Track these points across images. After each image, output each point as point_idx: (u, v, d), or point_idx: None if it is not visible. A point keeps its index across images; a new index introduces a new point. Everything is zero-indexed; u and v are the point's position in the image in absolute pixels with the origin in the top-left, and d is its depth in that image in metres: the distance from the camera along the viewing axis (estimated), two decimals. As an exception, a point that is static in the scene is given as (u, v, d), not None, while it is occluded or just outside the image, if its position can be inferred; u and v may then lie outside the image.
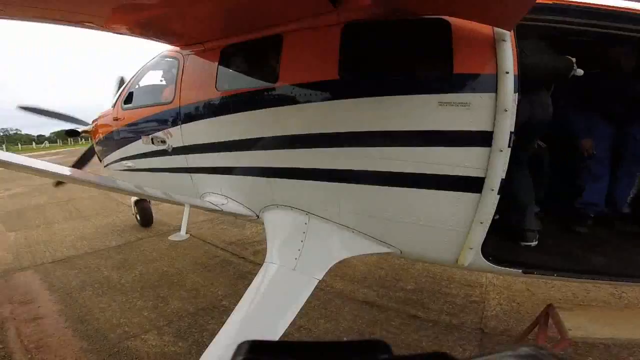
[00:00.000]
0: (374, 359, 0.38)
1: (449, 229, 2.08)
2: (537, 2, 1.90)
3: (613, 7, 2.01)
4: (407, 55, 2.19)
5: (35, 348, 2.96)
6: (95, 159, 5.09)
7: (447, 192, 2.01)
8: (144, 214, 6.02)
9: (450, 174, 1.97)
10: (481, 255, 2.08)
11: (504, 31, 1.85)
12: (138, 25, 2.53)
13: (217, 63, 2.75)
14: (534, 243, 2.49)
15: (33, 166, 1.91)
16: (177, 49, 3.19)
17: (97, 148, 4.68)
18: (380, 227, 2.25)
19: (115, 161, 4.10)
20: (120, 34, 2.71)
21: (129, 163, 3.82)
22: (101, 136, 4.40)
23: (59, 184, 5.69)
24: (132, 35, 2.75)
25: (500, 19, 1.81)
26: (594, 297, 3.55)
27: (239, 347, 0.38)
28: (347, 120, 2.16)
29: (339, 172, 2.24)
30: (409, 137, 2.02)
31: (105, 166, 4.50)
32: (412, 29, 2.16)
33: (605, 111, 2.89)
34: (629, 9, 2.02)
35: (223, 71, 2.75)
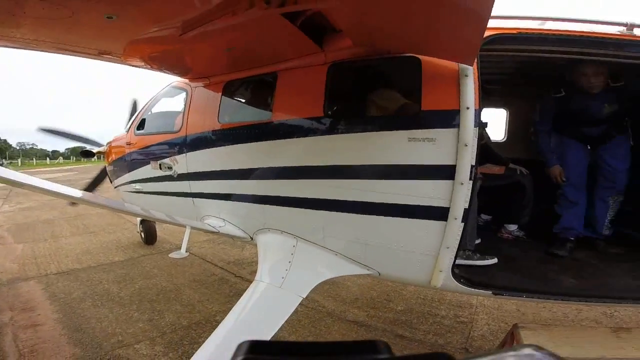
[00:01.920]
0: (374, 359, 0.38)
1: (420, 253, 2.24)
2: (503, 32, 2.10)
3: (574, 32, 2.16)
4: (383, 93, 2.44)
5: (29, 352, 3.10)
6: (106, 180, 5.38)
7: (417, 220, 2.19)
8: (149, 232, 6.24)
9: (420, 204, 2.15)
10: (452, 277, 2.22)
11: (467, 66, 1.99)
12: (151, 59, 2.84)
13: (220, 96, 3.04)
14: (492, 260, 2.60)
15: (46, 188, 2.11)
16: (187, 80, 3.50)
17: (109, 169, 4.97)
18: (360, 250, 2.43)
19: (125, 183, 4.37)
20: (136, 67, 3.01)
21: (138, 186, 4.09)
22: (114, 158, 4.71)
23: (74, 203, 5.96)
24: (146, 68, 3.06)
25: (460, 52, 1.95)
26: (585, 316, 3.62)
27: (239, 347, 0.38)
28: (330, 154, 2.38)
29: (322, 201, 2.46)
30: (383, 170, 2.22)
31: (115, 187, 4.78)
32: (388, 67, 2.41)
33: (575, 134, 2.97)
34: (589, 33, 2.16)
35: (225, 104, 3.03)
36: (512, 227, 3.36)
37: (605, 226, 2.95)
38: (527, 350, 0.37)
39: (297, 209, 2.59)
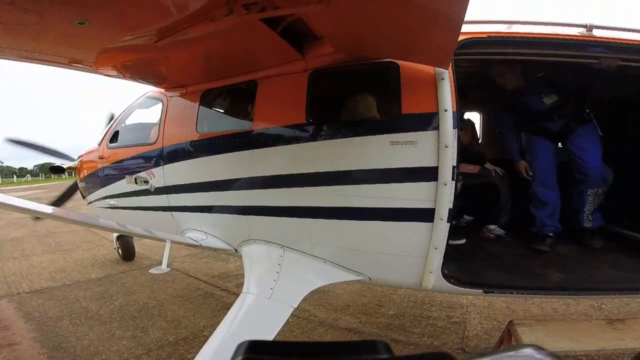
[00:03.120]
0: (374, 359, 0.38)
1: (409, 256, 2.25)
2: (474, 37, 2.15)
3: (539, 35, 2.26)
4: (365, 98, 2.43)
5: (7, 371, 2.88)
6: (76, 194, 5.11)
7: (404, 223, 2.20)
8: (126, 248, 5.98)
9: (405, 207, 2.17)
10: (442, 278, 2.24)
11: (443, 70, 2.05)
12: (124, 68, 2.72)
13: (197, 106, 2.95)
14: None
15: (14, 204, 1.99)
16: (162, 90, 3.38)
17: (81, 185, 4.74)
18: (349, 257, 2.41)
19: (99, 199, 4.17)
20: (109, 76, 2.89)
21: (113, 201, 3.90)
22: (86, 173, 4.48)
23: (38, 218, 5.64)
24: (119, 78, 2.93)
25: (435, 57, 2.00)
26: (573, 310, 3.70)
27: (239, 347, 0.38)
28: (313, 161, 2.36)
29: (308, 209, 2.43)
30: (367, 175, 2.22)
31: (88, 204, 4.55)
32: (367, 72, 2.41)
33: (538, 131, 3.03)
34: (553, 35, 2.26)
35: (203, 114, 2.95)
36: (493, 227, 3.42)
37: (585, 219, 2.98)
38: (527, 351, 0.37)
39: (283, 218, 2.55)
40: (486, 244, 3.18)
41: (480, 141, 4.43)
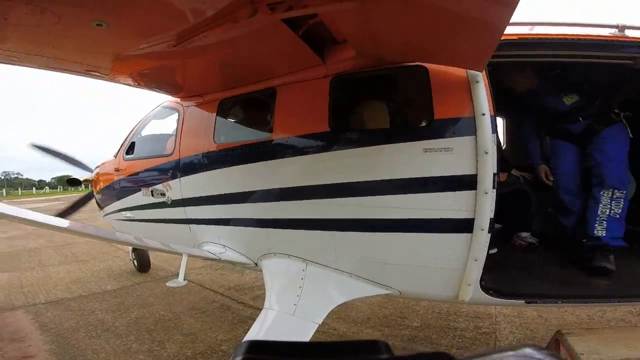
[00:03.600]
0: (374, 359, 0.38)
1: (444, 268, 2.12)
2: (504, 39, 2.01)
3: (573, 35, 2.17)
4: (392, 104, 2.34)
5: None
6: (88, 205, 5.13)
7: (440, 234, 2.07)
8: (142, 259, 5.96)
9: (441, 217, 2.03)
10: (481, 290, 2.11)
11: (477, 72, 1.94)
12: (141, 76, 2.68)
13: (215, 115, 2.88)
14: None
15: (31, 218, 1.95)
16: (178, 99, 3.33)
17: (97, 197, 4.73)
18: (377, 270, 2.29)
19: (115, 212, 4.14)
20: (124, 84, 2.84)
21: (129, 214, 3.86)
22: (102, 185, 4.48)
23: None
24: (134, 86, 2.88)
25: (471, 60, 1.91)
26: (611, 317, 3.48)
27: (239, 347, 0.37)
28: (339, 170, 2.25)
29: (333, 221, 2.31)
30: (398, 185, 2.09)
31: (104, 216, 4.52)
32: (394, 77, 2.32)
33: (561, 134, 2.85)
34: (586, 36, 2.17)
35: (220, 124, 2.88)
36: (525, 234, 3.26)
37: (596, 227, 2.57)
38: (527, 351, 0.37)
39: (305, 230, 2.44)
40: (519, 253, 3.05)
41: (504, 147, 4.26)
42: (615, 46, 2.18)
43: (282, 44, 1.96)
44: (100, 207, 4.68)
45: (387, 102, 2.41)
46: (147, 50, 1.98)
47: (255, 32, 1.75)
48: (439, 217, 2.04)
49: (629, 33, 2.18)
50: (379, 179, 2.15)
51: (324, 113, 2.27)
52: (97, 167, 4.82)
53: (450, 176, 1.99)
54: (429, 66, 2.05)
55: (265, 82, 2.58)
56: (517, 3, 1.22)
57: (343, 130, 2.32)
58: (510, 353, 0.37)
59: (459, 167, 1.97)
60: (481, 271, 2.07)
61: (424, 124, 2.14)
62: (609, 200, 2.56)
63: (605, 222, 2.57)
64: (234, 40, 1.82)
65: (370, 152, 2.16)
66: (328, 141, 2.28)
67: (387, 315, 4.01)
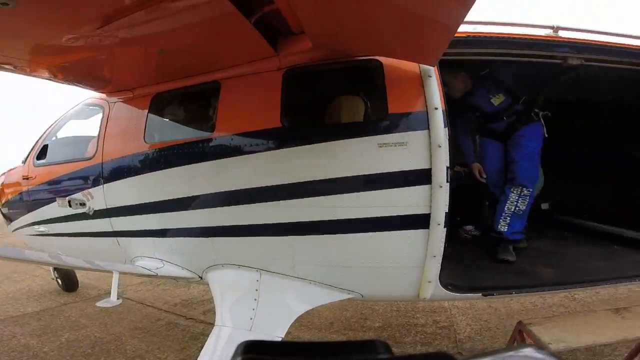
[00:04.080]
0: (374, 359, 0.38)
1: (405, 267, 2.09)
2: (455, 36, 2.03)
3: (517, 35, 2.25)
4: (347, 98, 2.22)
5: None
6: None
7: (397, 232, 2.02)
8: (67, 277, 5.16)
9: (398, 214, 2.00)
10: (440, 286, 2.11)
11: (429, 67, 1.93)
12: (59, 67, 2.28)
13: (146, 112, 2.51)
14: None
15: None
16: (103, 95, 2.87)
17: (3, 210, 3.99)
18: (338, 274, 2.18)
19: (26, 225, 3.50)
20: (43, 78, 2.41)
21: (42, 228, 3.27)
22: (9, 196, 3.75)
23: None
24: (54, 81, 2.45)
25: (423, 54, 1.89)
26: (551, 303, 3.77)
27: (238, 347, 0.37)
28: (291, 170, 2.08)
29: (287, 225, 2.14)
30: (354, 183, 2.00)
31: (13, 231, 3.84)
32: (349, 71, 2.22)
33: (487, 132, 2.97)
34: (527, 35, 2.27)
35: (153, 121, 2.52)
36: (469, 228, 3.42)
37: (500, 222, 2.74)
38: (527, 350, 0.38)
39: (256, 237, 2.23)
40: (467, 246, 3.14)
41: None
42: (549, 45, 2.29)
43: (231, 30, 1.72)
44: (8, 221, 3.96)
45: (342, 96, 2.29)
46: (64, 35, 1.62)
47: (200, 16, 1.51)
48: (396, 214, 2.00)
49: (562, 34, 2.32)
50: (334, 177, 2.03)
51: (275, 108, 2.09)
52: (1, 176, 4.02)
53: (405, 171, 1.95)
54: (384, 60, 1.99)
55: (208, 74, 2.29)
56: (474, 2, 1.23)
57: (296, 126, 2.17)
58: (510, 353, 0.38)
59: (414, 162, 1.94)
60: (439, 267, 2.06)
61: (379, 118, 2.07)
62: (517, 197, 2.74)
63: (508, 219, 2.75)
64: (174, 23, 1.55)
65: (324, 148, 2.02)
66: (280, 138, 2.09)
67: (349, 318, 3.94)
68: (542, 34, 2.32)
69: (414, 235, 2.01)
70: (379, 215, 2.01)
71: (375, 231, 2.04)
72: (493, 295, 2.31)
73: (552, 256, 2.74)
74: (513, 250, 2.70)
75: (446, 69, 2.44)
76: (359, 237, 2.06)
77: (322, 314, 4.04)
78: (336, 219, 2.05)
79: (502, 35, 2.24)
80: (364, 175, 2.00)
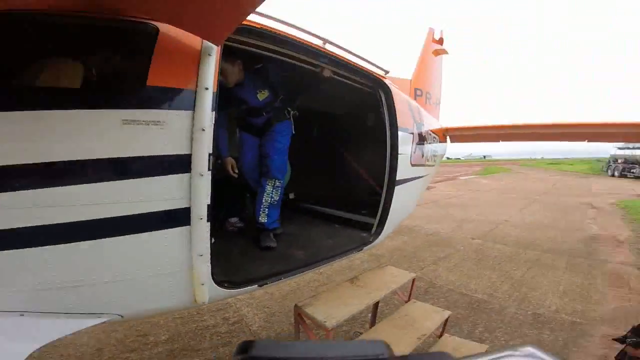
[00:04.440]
0: (374, 359, 0.38)
1: (168, 273, 1.77)
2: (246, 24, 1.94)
3: (292, 36, 2.33)
4: (90, 60, 1.72)
5: None
6: None
7: (153, 232, 1.67)
8: None
9: (150, 211, 1.65)
10: (216, 286, 1.93)
11: (212, 45, 1.73)
12: None
13: None
14: None
15: None
16: None
17: None
18: (74, 297, 1.62)
19: None
20: None
21: None
22: None
23: None
24: None
25: (210, 30, 1.66)
26: (308, 279, 4.49)
27: (238, 346, 0.37)
28: None
29: None
30: (83, 171, 1.49)
31: None
32: (104, 30, 1.69)
33: (246, 127, 3.10)
34: (303, 40, 2.40)
35: None
36: (234, 220, 3.46)
37: (260, 214, 2.93)
38: (527, 350, 0.38)
39: None
40: (234, 238, 3.12)
41: None
42: (314, 53, 2.52)
43: None
44: None
45: (83, 56, 1.71)
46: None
47: None
48: (147, 211, 1.64)
49: (328, 47, 2.60)
50: (53, 160, 1.43)
51: None
52: None
53: (160, 156, 1.63)
54: (163, 26, 1.64)
55: None
56: None
57: (4, 86, 1.48)
58: (509, 352, 0.37)
59: (171, 146, 1.64)
60: (210, 267, 1.87)
61: (129, 88, 1.65)
62: (272, 189, 2.93)
63: (267, 210, 2.93)
64: None
65: (38, 119, 1.42)
66: None
67: (123, 340, 3.21)
68: (315, 42, 2.51)
69: (173, 234, 1.71)
70: (124, 213, 1.58)
71: (124, 234, 1.61)
72: (267, 284, 2.26)
73: (300, 239, 3.06)
74: (274, 237, 2.91)
75: (225, 55, 2.36)
76: (99, 244, 1.57)
77: (81, 340, 3.04)
78: (62, 222, 1.49)
79: (283, 34, 2.26)
80: (99, 160, 1.50)
